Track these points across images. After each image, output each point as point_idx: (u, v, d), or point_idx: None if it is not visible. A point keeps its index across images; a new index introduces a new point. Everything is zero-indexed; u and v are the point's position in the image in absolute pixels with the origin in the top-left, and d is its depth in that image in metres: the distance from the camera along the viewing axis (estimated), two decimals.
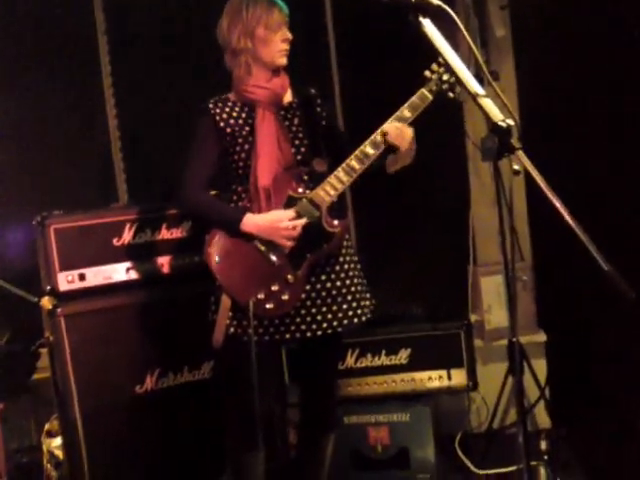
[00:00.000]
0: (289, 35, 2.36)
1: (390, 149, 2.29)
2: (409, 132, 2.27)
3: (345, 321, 2.34)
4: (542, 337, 3.28)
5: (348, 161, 2.27)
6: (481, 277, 3.29)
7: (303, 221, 2.28)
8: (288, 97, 2.43)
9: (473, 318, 3.29)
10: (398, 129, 2.25)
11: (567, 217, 1.54)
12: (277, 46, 2.34)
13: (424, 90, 2.28)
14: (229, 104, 2.40)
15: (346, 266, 2.38)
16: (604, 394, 3.23)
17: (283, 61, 2.38)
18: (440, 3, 1.79)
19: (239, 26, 2.33)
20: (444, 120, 3.18)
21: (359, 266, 2.44)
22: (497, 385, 3.05)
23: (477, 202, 3.43)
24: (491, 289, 3.23)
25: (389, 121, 2.27)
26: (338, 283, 2.35)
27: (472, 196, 3.46)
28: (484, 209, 3.34)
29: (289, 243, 2.27)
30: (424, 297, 3.32)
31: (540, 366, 3.21)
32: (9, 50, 3.36)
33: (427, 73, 2.29)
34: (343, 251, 2.38)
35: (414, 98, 2.28)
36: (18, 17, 3.38)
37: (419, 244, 3.50)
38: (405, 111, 2.27)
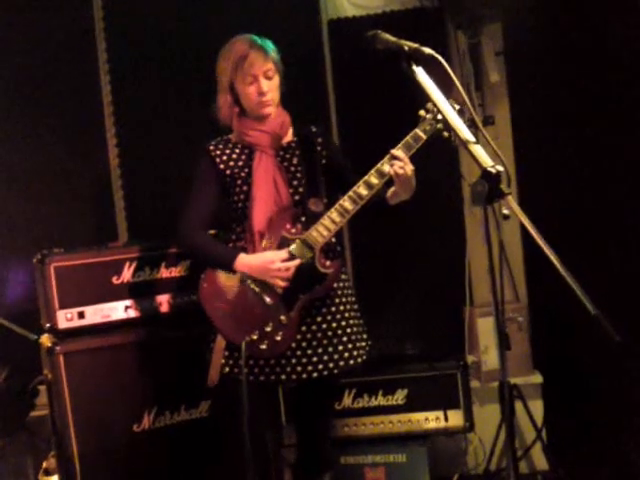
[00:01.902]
0: (264, 88, 2.32)
1: (387, 183, 2.27)
2: (411, 167, 2.24)
3: (341, 363, 2.35)
4: (538, 378, 3.28)
5: (341, 202, 2.27)
6: (477, 318, 3.31)
7: (296, 262, 2.28)
8: (288, 137, 2.44)
9: (470, 359, 3.30)
10: (403, 160, 2.21)
11: (556, 262, 1.58)
12: (253, 100, 2.34)
13: (418, 130, 2.24)
14: (229, 145, 2.43)
15: (342, 307, 2.39)
16: (602, 434, 3.22)
17: (265, 111, 2.36)
18: (432, 52, 1.86)
19: (219, 79, 2.37)
20: (440, 162, 3.24)
21: (356, 306, 2.45)
22: (494, 426, 3.04)
23: (473, 243, 3.47)
24: (487, 330, 3.24)
25: (382, 162, 2.25)
26: (333, 324, 2.36)
27: (468, 237, 3.49)
28: (480, 250, 3.38)
29: (282, 283, 2.28)
30: (421, 338, 3.33)
31: (537, 407, 3.21)
32: (5, 87, 3.39)
33: (422, 112, 2.25)
34: (339, 292, 2.40)
35: (408, 138, 2.25)
36: (16, 54, 3.42)
37: (416, 285, 3.51)
38: (399, 151, 2.23)
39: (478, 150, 1.73)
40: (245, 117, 2.40)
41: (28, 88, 3.43)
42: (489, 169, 1.67)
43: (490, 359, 3.26)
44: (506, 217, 1.67)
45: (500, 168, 1.67)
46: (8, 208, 3.37)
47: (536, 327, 3.41)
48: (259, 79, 2.32)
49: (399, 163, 2.22)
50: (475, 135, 1.82)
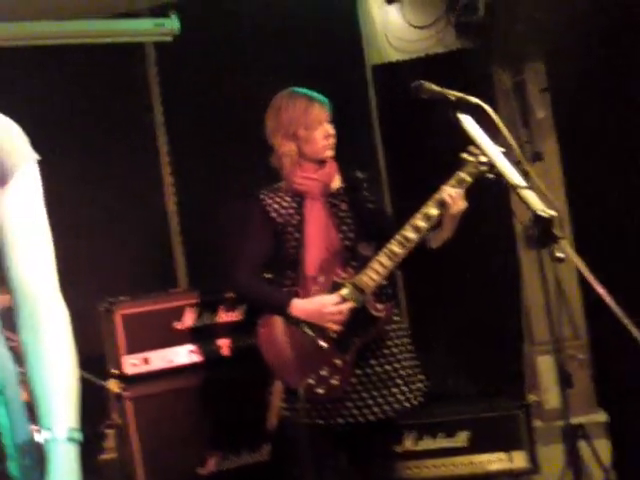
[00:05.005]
0: (331, 130, 2.44)
1: (433, 227, 2.29)
2: (463, 203, 2.26)
3: (395, 405, 2.36)
4: (602, 416, 3.21)
5: (389, 245, 2.28)
6: (537, 356, 3.27)
7: (348, 305, 2.31)
8: (336, 183, 2.51)
9: (531, 398, 3.25)
10: (457, 192, 2.24)
11: (612, 304, 1.57)
12: (319, 143, 2.43)
13: (461, 173, 2.25)
14: (280, 194, 2.50)
15: (395, 349, 2.40)
16: None
17: (328, 154, 2.46)
18: (478, 101, 1.88)
19: (280, 130, 2.44)
20: (491, 198, 3.24)
21: (410, 347, 2.46)
22: (558, 466, 2.97)
23: (529, 279, 3.44)
24: (547, 368, 3.20)
25: (427, 205, 2.26)
26: (387, 367, 2.37)
27: (524, 273, 3.47)
28: (537, 286, 3.34)
29: (336, 327, 2.31)
30: (479, 376, 3.31)
31: (602, 446, 3.13)
32: (67, 139, 3.45)
33: (464, 155, 2.25)
34: (392, 334, 2.41)
35: (452, 181, 2.26)
36: (75, 105, 3.55)
37: (473, 323, 3.49)
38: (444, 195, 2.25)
39: (529, 194, 1.74)
40: (304, 163, 2.47)
41: (89, 138, 3.57)
42: (540, 213, 1.67)
43: (551, 398, 3.20)
44: (560, 260, 1.66)
45: (552, 212, 1.67)
46: (70, 255, 3.47)
47: (599, 364, 3.34)
48: (324, 124, 2.43)
49: (454, 191, 2.24)
50: (525, 176, 1.83)
